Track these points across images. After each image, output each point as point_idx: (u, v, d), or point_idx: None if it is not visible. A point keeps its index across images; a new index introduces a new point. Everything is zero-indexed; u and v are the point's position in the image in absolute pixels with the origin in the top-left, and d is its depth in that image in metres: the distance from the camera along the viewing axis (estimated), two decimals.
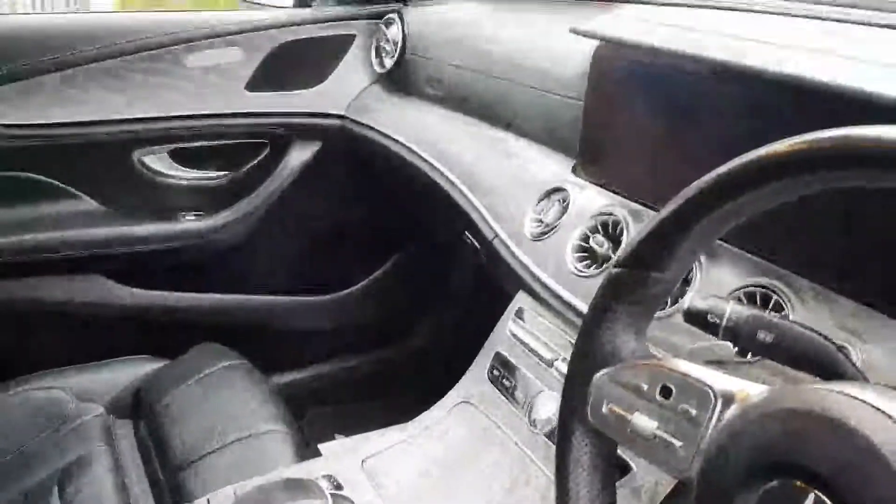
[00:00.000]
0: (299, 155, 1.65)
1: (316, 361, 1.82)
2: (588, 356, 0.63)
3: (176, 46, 1.53)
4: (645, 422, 0.58)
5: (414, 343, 1.89)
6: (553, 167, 1.18)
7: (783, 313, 0.78)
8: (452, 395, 1.09)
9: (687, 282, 0.88)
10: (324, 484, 0.90)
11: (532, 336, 1.05)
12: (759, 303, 0.80)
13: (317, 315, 1.79)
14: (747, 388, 0.55)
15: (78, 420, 1.30)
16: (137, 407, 1.37)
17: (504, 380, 1.04)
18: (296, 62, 1.63)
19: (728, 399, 0.55)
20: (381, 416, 1.19)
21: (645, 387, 0.59)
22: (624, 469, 0.85)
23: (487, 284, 1.31)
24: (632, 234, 0.97)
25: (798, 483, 0.46)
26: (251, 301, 1.71)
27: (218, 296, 1.67)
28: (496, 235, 1.18)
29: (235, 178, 1.66)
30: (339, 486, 0.91)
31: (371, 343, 1.88)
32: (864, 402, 0.47)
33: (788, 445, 0.48)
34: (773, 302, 0.79)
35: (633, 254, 0.60)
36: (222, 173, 1.66)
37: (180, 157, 1.63)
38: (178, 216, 1.62)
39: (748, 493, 0.49)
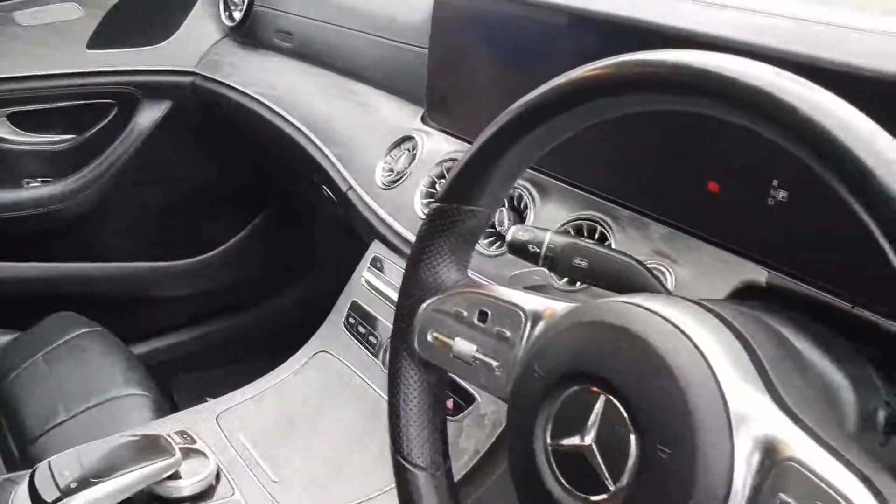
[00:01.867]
0: (149, 115, 1.60)
1: (181, 327, 1.77)
2: (414, 288, 0.65)
3: (4, 3, 1.44)
4: (465, 346, 0.61)
5: (283, 302, 1.87)
6: (403, 116, 1.19)
7: (606, 242, 0.82)
8: (309, 347, 1.10)
9: (523, 218, 0.92)
10: (176, 440, 0.89)
11: (386, 283, 1.07)
12: (585, 234, 0.85)
13: (179, 280, 1.75)
14: (554, 306, 0.58)
15: None
16: None
17: (360, 327, 1.06)
18: (140, 17, 1.57)
19: (537, 318, 0.58)
20: (252, 379, 1.19)
21: (465, 313, 0.62)
22: (469, 399, 0.89)
23: (351, 239, 1.32)
24: None
25: (593, 388, 0.50)
26: (108, 269, 1.65)
27: (72, 265, 1.60)
28: (350, 187, 1.19)
29: (82, 142, 1.58)
30: (192, 441, 0.90)
31: (239, 305, 1.85)
32: (647, 308, 0.50)
33: (582, 354, 0.51)
34: (598, 233, 0.84)
35: (449, 189, 0.63)
36: (67, 137, 1.58)
37: (21, 122, 1.54)
38: (23, 183, 1.54)
39: (551, 402, 0.52)
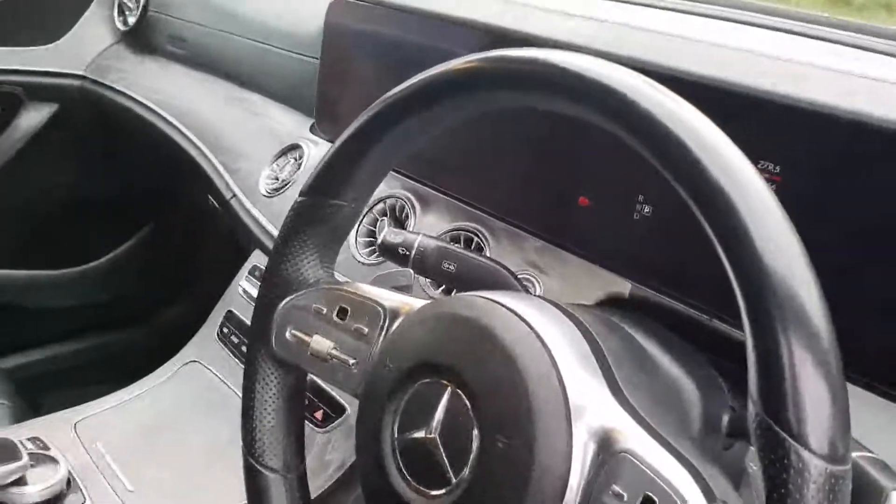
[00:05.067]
0: (33, 117, 1.52)
1: (54, 341, 1.67)
2: (276, 284, 0.63)
3: None
4: (322, 343, 0.60)
5: (166, 318, 1.80)
6: (292, 125, 1.18)
7: (482, 253, 0.83)
8: (179, 357, 1.06)
9: (403, 228, 0.92)
10: (28, 445, 0.84)
11: None
12: (462, 243, 0.85)
13: (57, 291, 1.66)
14: (413, 303, 0.58)
15: None
16: None
17: (233, 336, 1.03)
18: (30, 17, 1.51)
19: (395, 314, 0.58)
20: None
21: (324, 310, 0.61)
22: (339, 410, 0.87)
23: (238, 252, 1.28)
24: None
25: (441, 381, 0.50)
26: None
27: None
28: (234, 195, 1.17)
29: None
30: (45, 448, 0.86)
31: (120, 320, 1.76)
32: (496, 301, 0.51)
33: (430, 345, 0.51)
34: (474, 243, 0.84)
35: (313, 183, 0.62)
36: None
37: None
38: None
39: (400, 396, 0.51)
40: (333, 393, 0.88)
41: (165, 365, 1.05)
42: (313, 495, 0.79)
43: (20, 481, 0.78)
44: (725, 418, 0.58)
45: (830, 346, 0.37)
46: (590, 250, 0.77)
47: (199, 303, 1.82)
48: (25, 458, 0.78)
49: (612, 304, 0.73)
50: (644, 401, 0.48)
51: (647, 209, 0.73)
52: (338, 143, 0.60)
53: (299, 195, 0.63)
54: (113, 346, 1.74)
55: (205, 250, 1.77)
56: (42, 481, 0.80)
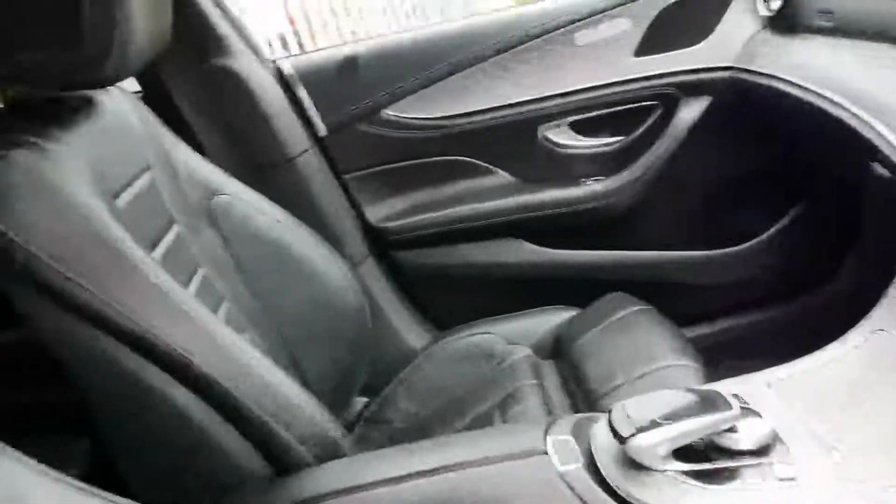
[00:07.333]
0: (689, 112, 1.69)
1: (723, 315, 1.83)
2: None
3: (564, 28, 1.68)
4: None
5: (827, 291, 1.79)
6: None
7: None
8: (865, 325, 1.05)
9: None
10: (734, 400, 0.94)
11: None
12: None
13: (717, 268, 1.80)
14: None
15: (510, 359, 1.51)
16: (558, 348, 1.54)
17: None
18: (680, 22, 1.68)
19: None
20: None
21: None
22: None
23: None
24: None
25: None
26: (651, 256, 1.79)
27: (621, 252, 1.78)
28: None
29: (630, 142, 1.76)
30: (745, 403, 0.95)
31: (780, 294, 1.83)
32: None
33: None
34: None
35: None
36: (617, 139, 1.77)
37: (579, 128, 1.77)
38: (580, 182, 1.77)
39: None
40: None
41: (849, 333, 1.06)
42: None
43: (731, 430, 0.89)
44: None
45: None
46: None
47: (860, 275, 1.77)
48: (738, 410, 0.88)
49: None
50: None
51: None
52: None
53: None
54: (778, 318, 1.81)
55: (864, 224, 1.72)
56: (751, 432, 0.89)
